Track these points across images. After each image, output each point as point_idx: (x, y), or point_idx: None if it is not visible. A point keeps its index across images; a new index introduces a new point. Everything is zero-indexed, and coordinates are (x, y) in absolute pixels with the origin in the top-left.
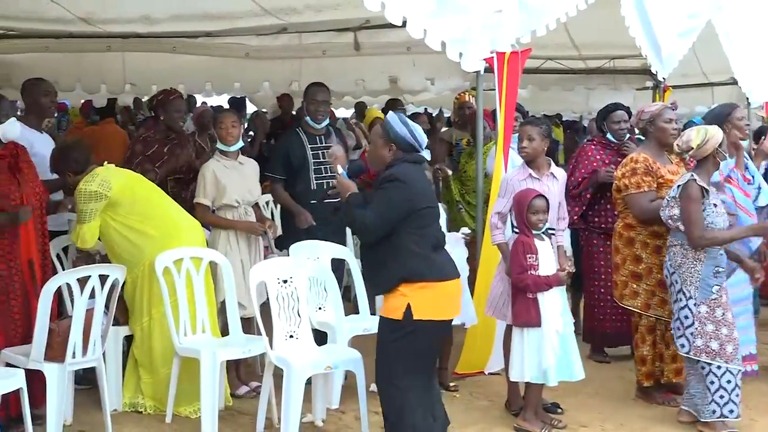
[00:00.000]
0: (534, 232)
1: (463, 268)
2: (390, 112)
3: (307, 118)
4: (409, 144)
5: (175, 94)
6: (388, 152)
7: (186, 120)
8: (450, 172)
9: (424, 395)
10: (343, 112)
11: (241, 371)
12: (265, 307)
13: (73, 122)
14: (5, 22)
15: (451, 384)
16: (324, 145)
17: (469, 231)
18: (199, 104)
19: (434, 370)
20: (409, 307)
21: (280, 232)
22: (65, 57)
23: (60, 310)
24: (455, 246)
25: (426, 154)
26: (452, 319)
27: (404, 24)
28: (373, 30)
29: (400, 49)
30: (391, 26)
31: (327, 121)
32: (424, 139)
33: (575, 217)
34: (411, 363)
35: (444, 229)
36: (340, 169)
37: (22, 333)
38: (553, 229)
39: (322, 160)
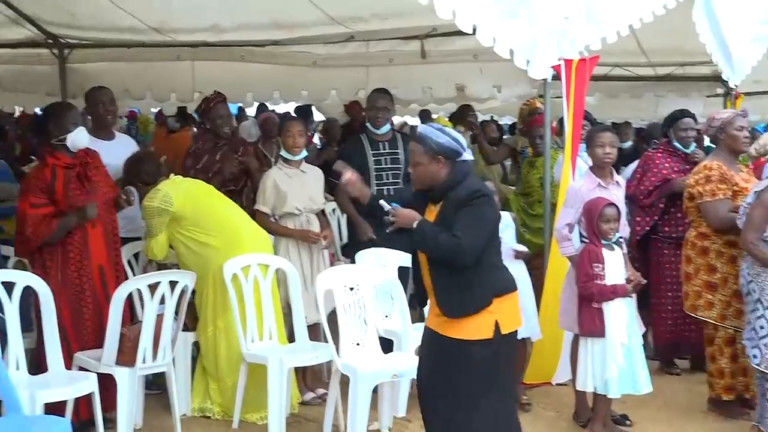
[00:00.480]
0: (603, 241)
1: (524, 281)
2: (420, 125)
3: (368, 123)
4: (454, 151)
5: (215, 100)
6: (438, 166)
7: (236, 124)
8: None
9: (507, 414)
10: (410, 120)
11: (307, 378)
12: (331, 315)
13: (150, 131)
14: (79, 32)
15: (524, 397)
16: (387, 151)
17: (525, 249)
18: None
19: (514, 384)
20: (497, 323)
21: (325, 243)
22: (136, 66)
23: (131, 316)
24: (511, 261)
25: (468, 155)
26: None
27: (474, 32)
28: (440, 38)
29: (467, 57)
30: (458, 34)
31: (388, 127)
32: (463, 140)
33: (646, 227)
34: (497, 380)
35: (513, 241)
36: (386, 205)
37: (93, 338)
38: (623, 238)
39: (383, 166)
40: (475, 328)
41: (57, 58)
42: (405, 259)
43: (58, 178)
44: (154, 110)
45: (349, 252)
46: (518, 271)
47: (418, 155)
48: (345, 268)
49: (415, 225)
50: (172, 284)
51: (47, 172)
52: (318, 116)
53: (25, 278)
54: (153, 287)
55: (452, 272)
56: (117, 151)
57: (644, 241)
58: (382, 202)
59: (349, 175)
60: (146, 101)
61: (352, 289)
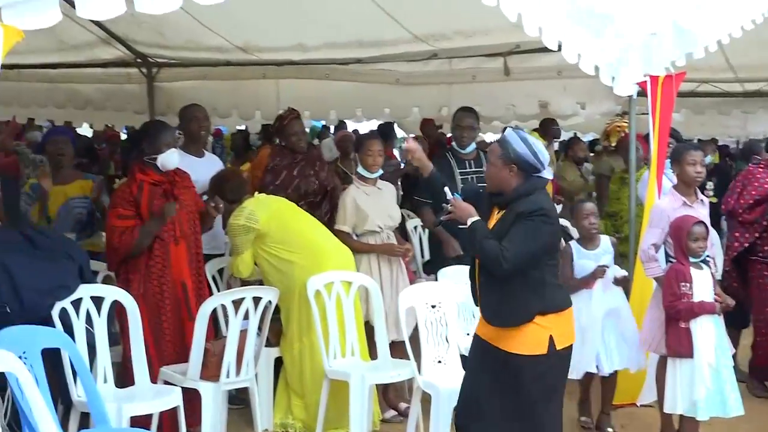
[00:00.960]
0: (692, 259)
1: (624, 308)
2: (508, 129)
3: (453, 143)
4: (530, 164)
5: (289, 117)
6: (509, 174)
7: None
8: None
9: (553, 427)
10: (492, 137)
11: (389, 395)
12: (412, 332)
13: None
14: (168, 51)
15: (609, 429)
16: (473, 170)
17: (625, 273)
18: (349, 130)
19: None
20: (551, 338)
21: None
22: (223, 84)
23: (214, 331)
24: (610, 287)
25: (548, 174)
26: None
27: (559, 48)
28: (524, 55)
29: (550, 74)
30: (542, 51)
31: (474, 146)
32: (546, 158)
33: (745, 244)
34: (550, 396)
35: (613, 266)
36: (449, 193)
37: (172, 352)
38: (710, 257)
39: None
40: (528, 342)
41: (145, 77)
42: None
43: (143, 193)
44: (240, 128)
45: (430, 269)
46: (616, 298)
47: (494, 156)
48: (427, 286)
49: (468, 222)
50: (256, 300)
51: (134, 187)
52: (400, 133)
53: (113, 293)
54: (237, 303)
55: (497, 282)
56: (205, 169)
57: (741, 259)
58: (446, 189)
59: (411, 143)
60: (232, 119)
61: (434, 306)
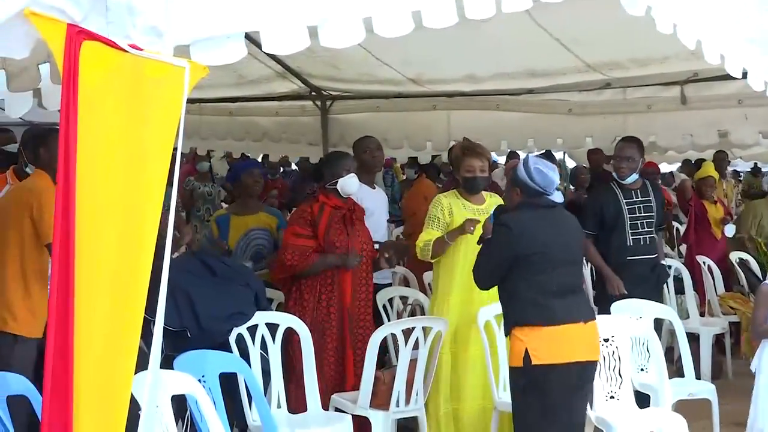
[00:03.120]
0: None
1: None
2: (527, 155)
3: (614, 173)
4: (529, 187)
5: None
6: (516, 195)
7: None
8: None
9: None
10: (666, 167)
11: None
12: None
13: (397, 177)
14: (341, 84)
15: None
16: (639, 199)
17: None
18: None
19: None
20: (527, 352)
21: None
22: (394, 116)
23: (382, 360)
24: None
25: (557, 197)
26: (587, 363)
27: (744, 76)
28: (702, 83)
29: (730, 102)
30: (722, 78)
31: (635, 176)
32: (549, 183)
33: None
34: (547, 415)
35: None
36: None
37: (334, 377)
38: None
39: (638, 215)
40: (510, 354)
41: (319, 109)
42: (663, 310)
43: (324, 214)
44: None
45: (599, 302)
46: None
47: (507, 181)
48: (600, 319)
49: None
50: (426, 330)
51: (315, 207)
52: (570, 163)
53: (287, 320)
54: (407, 332)
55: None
56: (377, 201)
57: None
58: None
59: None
60: (403, 150)
61: (606, 340)
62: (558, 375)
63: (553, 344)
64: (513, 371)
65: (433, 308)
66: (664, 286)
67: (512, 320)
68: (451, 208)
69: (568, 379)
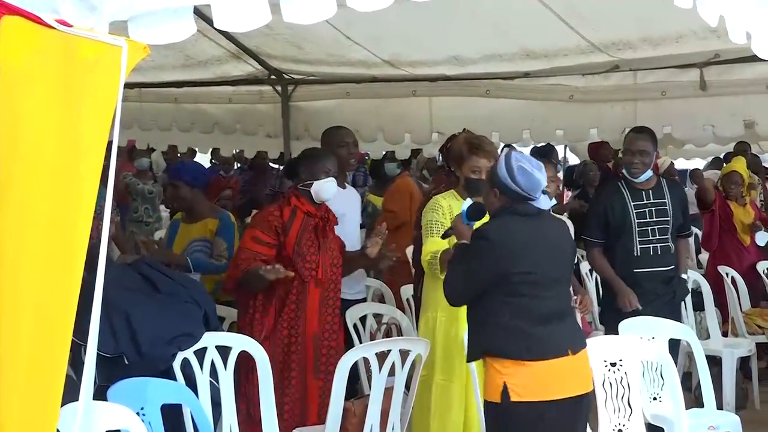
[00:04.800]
0: None
1: None
2: (508, 150)
3: (623, 170)
4: (512, 190)
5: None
6: (493, 198)
7: None
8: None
9: None
10: (683, 163)
11: None
12: None
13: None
14: (305, 66)
15: None
16: (651, 201)
17: None
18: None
19: None
20: (505, 387)
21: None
22: (367, 103)
23: (353, 388)
24: None
25: (544, 202)
26: (578, 398)
27: None
28: (724, 65)
29: (758, 87)
30: (748, 60)
31: (649, 173)
32: (534, 185)
33: None
34: None
35: None
36: (464, 209)
37: (294, 410)
38: None
39: (648, 219)
40: (487, 387)
41: (280, 95)
42: (679, 329)
43: (296, 220)
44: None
45: (604, 319)
46: None
47: (487, 178)
48: (605, 340)
49: (456, 243)
50: (404, 353)
51: (286, 211)
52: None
53: (241, 342)
54: (382, 356)
55: (467, 312)
56: (345, 203)
57: None
58: (467, 202)
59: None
60: (378, 143)
61: (614, 364)
62: (542, 414)
63: (536, 380)
64: (489, 407)
65: (420, 326)
66: (682, 303)
67: (486, 347)
68: (452, 211)
69: (555, 418)
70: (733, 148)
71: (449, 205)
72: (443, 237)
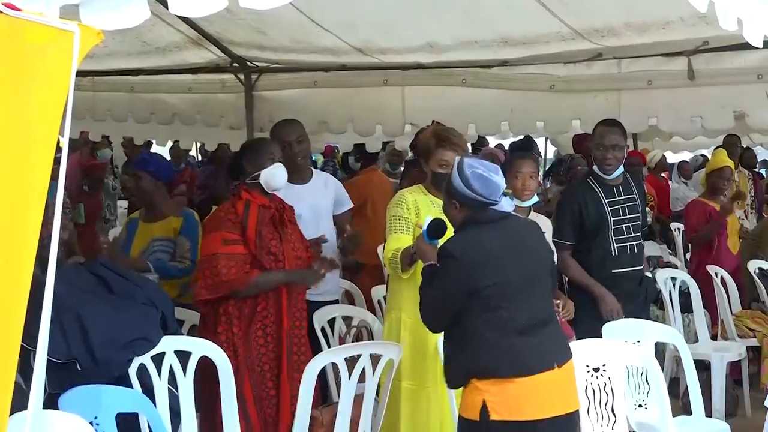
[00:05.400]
0: None
1: None
2: (460, 158)
3: (595, 166)
4: (471, 198)
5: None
6: (453, 211)
7: None
8: None
9: None
10: (671, 157)
11: None
12: None
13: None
14: (270, 54)
15: None
16: (623, 197)
17: None
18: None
19: None
20: (485, 405)
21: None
22: (336, 93)
23: (324, 395)
24: None
25: (506, 205)
26: (566, 416)
27: (766, 45)
28: (714, 53)
29: (748, 77)
30: (738, 48)
31: (621, 170)
32: (493, 189)
33: None
34: None
35: None
36: (423, 226)
37: (261, 418)
38: None
39: (622, 217)
40: (464, 404)
41: (243, 84)
42: (665, 332)
43: (251, 214)
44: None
45: (576, 325)
46: None
47: (443, 191)
48: (588, 344)
49: (424, 267)
50: (375, 358)
51: (239, 206)
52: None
53: (202, 347)
54: (352, 361)
55: (444, 336)
56: (315, 195)
57: None
58: (428, 220)
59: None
60: (347, 135)
61: (596, 370)
62: None
63: (520, 398)
64: (465, 423)
65: (384, 329)
66: (652, 304)
67: (468, 369)
68: (417, 207)
69: None
70: (723, 141)
71: (414, 200)
72: (409, 265)
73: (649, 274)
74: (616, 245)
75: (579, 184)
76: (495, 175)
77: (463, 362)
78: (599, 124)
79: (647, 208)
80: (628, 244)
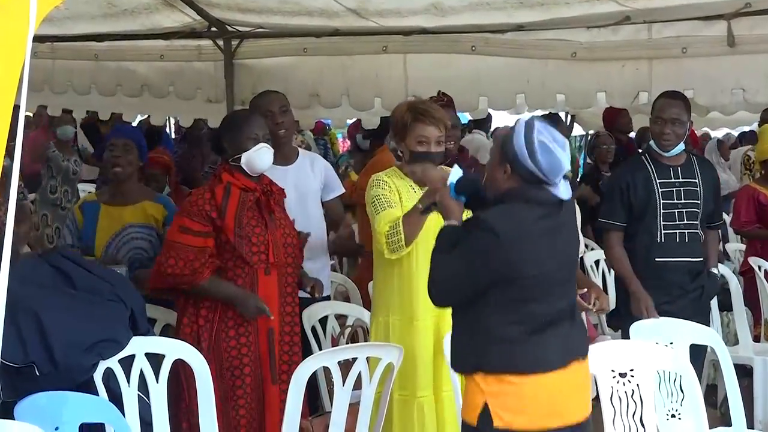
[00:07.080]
0: None
1: None
2: (528, 118)
3: (652, 142)
4: (526, 169)
5: (439, 104)
6: (502, 174)
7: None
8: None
9: None
10: (714, 134)
11: None
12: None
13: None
14: (253, 17)
15: None
16: (680, 180)
17: None
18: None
19: None
20: (486, 407)
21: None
22: (329, 62)
23: (314, 405)
24: None
25: (563, 190)
26: (579, 425)
27: None
28: (757, 17)
29: None
30: None
31: (681, 147)
32: (557, 168)
33: None
34: None
35: None
36: (453, 179)
37: (246, 425)
38: None
39: (675, 201)
40: (465, 405)
41: (222, 51)
42: (702, 333)
43: (231, 198)
44: (350, 121)
45: (617, 322)
46: None
47: (494, 148)
48: (614, 345)
49: (445, 223)
50: (372, 362)
51: (218, 190)
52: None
53: (176, 349)
54: (346, 366)
55: (453, 314)
56: (300, 177)
57: None
58: (457, 171)
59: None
60: (342, 108)
61: (623, 375)
62: None
63: (528, 401)
64: (465, 428)
65: (370, 332)
66: (711, 303)
67: (475, 361)
68: (398, 190)
69: None
70: (760, 115)
71: (393, 182)
72: (423, 213)
73: (715, 271)
74: (663, 231)
75: (632, 160)
76: (562, 152)
77: (473, 351)
78: (661, 96)
79: None
80: (678, 231)
